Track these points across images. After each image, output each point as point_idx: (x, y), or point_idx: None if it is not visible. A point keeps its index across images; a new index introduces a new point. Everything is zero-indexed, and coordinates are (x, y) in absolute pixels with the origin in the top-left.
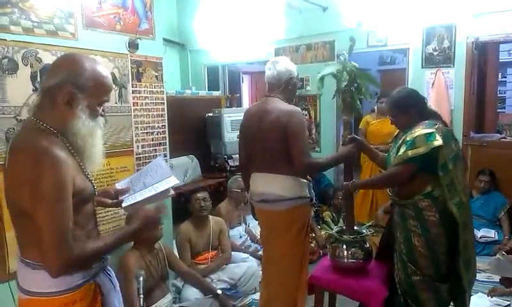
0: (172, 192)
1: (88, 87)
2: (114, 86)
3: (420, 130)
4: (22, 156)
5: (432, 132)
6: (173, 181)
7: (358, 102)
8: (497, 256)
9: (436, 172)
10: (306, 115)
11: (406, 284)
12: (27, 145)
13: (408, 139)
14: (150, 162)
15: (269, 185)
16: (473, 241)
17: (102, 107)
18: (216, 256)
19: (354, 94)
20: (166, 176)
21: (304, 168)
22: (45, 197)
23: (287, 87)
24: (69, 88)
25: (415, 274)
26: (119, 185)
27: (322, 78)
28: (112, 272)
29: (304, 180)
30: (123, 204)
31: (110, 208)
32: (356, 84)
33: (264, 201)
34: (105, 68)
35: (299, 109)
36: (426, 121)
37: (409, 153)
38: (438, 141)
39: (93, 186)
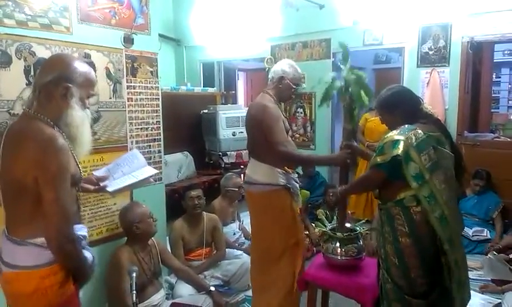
0: (152, 180)
1: (80, 81)
2: (108, 81)
3: (391, 136)
4: (27, 142)
5: (398, 140)
6: (151, 171)
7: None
8: (488, 255)
9: (406, 180)
10: (301, 113)
11: (383, 289)
12: (31, 133)
13: (379, 143)
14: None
15: (251, 169)
16: (464, 259)
17: (88, 101)
18: (209, 253)
19: (352, 101)
20: (142, 165)
21: (279, 157)
22: (53, 179)
23: (278, 85)
24: (65, 82)
25: (388, 282)
26: (97, 173)
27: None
28: (91, 250)
29: (280, 170)
30: (109, 189)
31: (103, 205)
32: (349, 93)
33: (246, 183)
34: (90, 67)
35: (270, 104)
36: (405, 126)
37: (378, 159)
38: (398, 150)
39: (81, 173)
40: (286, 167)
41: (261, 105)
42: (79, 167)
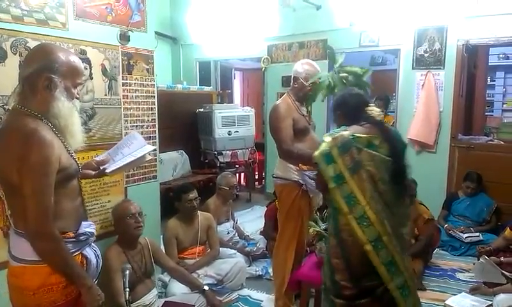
0: (149, 157)
1: (62, 71)
2: (104, 78)
3: (324, 135)
4: (12, 136)
5: (323, 140)
6: (148, 148)
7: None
8: (480, 260)
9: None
10: None
11: None
12: (15, 127)
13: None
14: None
15: (277, 163)
16: (405, 261)
17: (76, 90)
18: (203, 251)
19: None
20: (141, 145)
21: (281, 153)
22: (31, 172)
23: (294, 85)
24: (47, 74)
25: (322, 281)
26: (97, 158)
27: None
28: (98, 249)
29: (293, 166)
30: (107, 170)
31: (97, 202)
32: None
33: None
34: (75, 55)
35: (282, 104)
36: (342, 127)
37: (315, 158)
38: (316, 152)
39: (77, 164)
40: (300, 164)
41: (273, 105)
42: (74, 159)
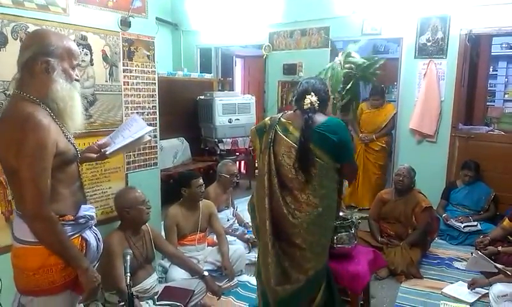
0: (148, 138)
1: (58, 53)
2: (104, 64)
3: None
4: (9, 121)
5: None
6: (147, 128)
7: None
8: (473, 254)
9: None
10: None
11: None
12: (13, 112)
13: None
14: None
15: None
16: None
17: (75, 72)
18: (203, 238)
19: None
20: (141, 127)
21: None
22: (27, 156)
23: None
24: (43, 57)
25: None
26: (99, 142)
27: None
28: (98, 232)
29: None
30: (107, 152)
31: (98, 189)
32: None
33: None
34: (69, 38)
35: None
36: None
37: None
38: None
39: (76, 149)
40: None
41: None
42: (73, 144)
